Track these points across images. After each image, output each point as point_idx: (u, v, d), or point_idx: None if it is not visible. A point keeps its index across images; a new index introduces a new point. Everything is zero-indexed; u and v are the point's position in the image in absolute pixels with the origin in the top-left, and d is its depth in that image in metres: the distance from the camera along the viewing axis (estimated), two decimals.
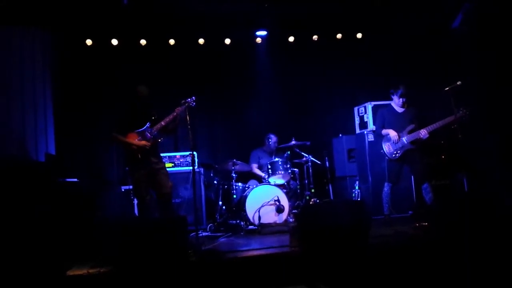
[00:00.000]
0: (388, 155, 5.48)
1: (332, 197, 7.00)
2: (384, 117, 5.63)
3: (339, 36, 7.55)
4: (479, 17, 6.17)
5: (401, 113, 5.57)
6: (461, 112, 5.14)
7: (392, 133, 5.43)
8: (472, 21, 6.21)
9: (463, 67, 6.49)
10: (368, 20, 7.18)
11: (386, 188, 5.54)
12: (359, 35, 7.57)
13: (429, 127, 5.30)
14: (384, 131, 5.55)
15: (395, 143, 5.41)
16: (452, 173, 6.34)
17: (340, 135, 7.30)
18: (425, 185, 5.35)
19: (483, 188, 5.87)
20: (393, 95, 5.58)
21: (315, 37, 7.52)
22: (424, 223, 4.95)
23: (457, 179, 6.15)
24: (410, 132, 5.40)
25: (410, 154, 5.40)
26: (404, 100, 5.51)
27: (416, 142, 5.37)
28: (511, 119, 6.01)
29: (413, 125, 5.41)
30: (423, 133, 5.29)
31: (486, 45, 6.26)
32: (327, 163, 6.87)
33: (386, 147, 5.49)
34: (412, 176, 6.31)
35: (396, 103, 5.58)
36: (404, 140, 5.39)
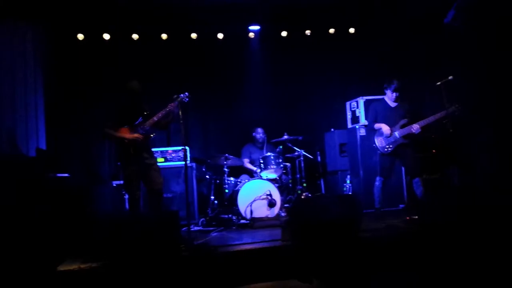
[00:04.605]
0: (380, 149, 5.49)
1: (323, 191, 7.04)
2: (376, 111, 5.64)
3: (331, 31, 7.55)
4: (472, 13, 6.19)
5: (394, 107, 5.58)
6: (453, 107, 5.16)
7: (385, 128, 5.44)
8: (464, 17, 6.23)
9: (455, 62, 6.53)
10: (361, 15, 7.19)
11: (378, 182, 5.56)
12: (351, 30, 7.57)
13: (422, 121, 5.31)
14: (376, 125, 5.56)
15: (387, 137, 5.43)
16: (442, 167, 6.39)
17: (332, 129, 7.32)
18: (416, 179, 5.39)
19: (473, 181, 5.93)
20: (387, 89, 5.58)
21: (307, 32, 7.51)
22: (414, 217, 5.00)
23: (448, 173, 6.20)
24: (402, 126, 5.41)
25: (402, 148, 5.42)
26: (397, 94, 5.51)
27: (408, 137, 5.40)
28: (503, 114, 6.06)
29: (406, 119, 5.43)
30: (415, 127, 5.31)
31: (478, 41, 6.29)
32: (319, 157, 6.90)
33: (378, 141, 5.50)
34: (403, 170, 6.35)
35: (389, 97, 5.59)
36: (396, 135, 5.40)
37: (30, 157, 5.64)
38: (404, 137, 5.38)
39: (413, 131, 5.32)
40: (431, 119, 5.29)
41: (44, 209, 4.09)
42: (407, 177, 6.16)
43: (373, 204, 5.64)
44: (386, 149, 5.44)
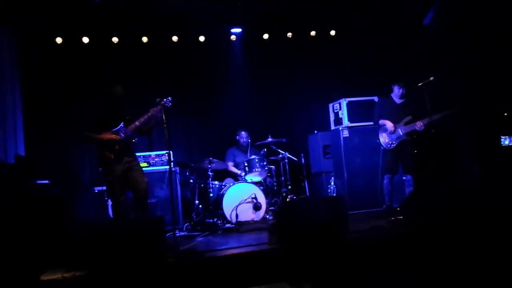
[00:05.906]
0: (384, 145, 5.53)
1: (308, 194, 7.05)
2: (382, 107, 5.67)
3: (313, 33, 7.58)
4: (451, 16, 6.29)
5: (399, 104, 5.60)
6: (457, 107, 5.26)
7: (389, 124, 5.47)
8: (443, 19, 6.33)
9: (437, 64, 6.62)
10: (342, 17, 7.24)
11: (386, 179, 5.55)
12: (332, 33, 7.62)
13: (425, 120, 5.30)
14: (381, 122, 5.58)
15: (391, 133, 5.46)
16: (425, 167, 6.45)
17: (316, 131, 7.33)
18: (408, 177, 5.44)
19: (455, 181, 6.01)
20: (394, 86, 5.59)
21: (289, 34, 7.52)
22: (399, 217, 5.03)
23: (429, 174, 6.27)
24: (406, 123, 5.45)
25: (405, 145, 5.45)
26: (403, 91, 5.52)
27: (411, 134, 5.43)
28: (483, 116, 6.18)
29: (410, 116, 5.46)
30: (419, 125, 5.34)
31: (458, 44, 6.40)
32: (303, 159, 6.91)
33: (382, 137, 5.54)
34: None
35: (396, 94, 5.60)
36: (400, 132, 5.45)
37: (9, 164, 5.51)
38: (407, 134, 5.42)
39: (417, 128, 5.35)
40: (434, 117, 5.26)
41: (24, 218, 3.99)
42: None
43: (357, 205, 5.66)
44: (389, 145, 5.48)
